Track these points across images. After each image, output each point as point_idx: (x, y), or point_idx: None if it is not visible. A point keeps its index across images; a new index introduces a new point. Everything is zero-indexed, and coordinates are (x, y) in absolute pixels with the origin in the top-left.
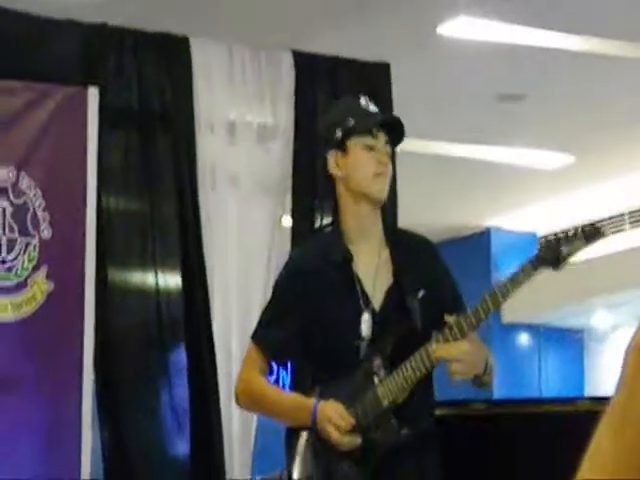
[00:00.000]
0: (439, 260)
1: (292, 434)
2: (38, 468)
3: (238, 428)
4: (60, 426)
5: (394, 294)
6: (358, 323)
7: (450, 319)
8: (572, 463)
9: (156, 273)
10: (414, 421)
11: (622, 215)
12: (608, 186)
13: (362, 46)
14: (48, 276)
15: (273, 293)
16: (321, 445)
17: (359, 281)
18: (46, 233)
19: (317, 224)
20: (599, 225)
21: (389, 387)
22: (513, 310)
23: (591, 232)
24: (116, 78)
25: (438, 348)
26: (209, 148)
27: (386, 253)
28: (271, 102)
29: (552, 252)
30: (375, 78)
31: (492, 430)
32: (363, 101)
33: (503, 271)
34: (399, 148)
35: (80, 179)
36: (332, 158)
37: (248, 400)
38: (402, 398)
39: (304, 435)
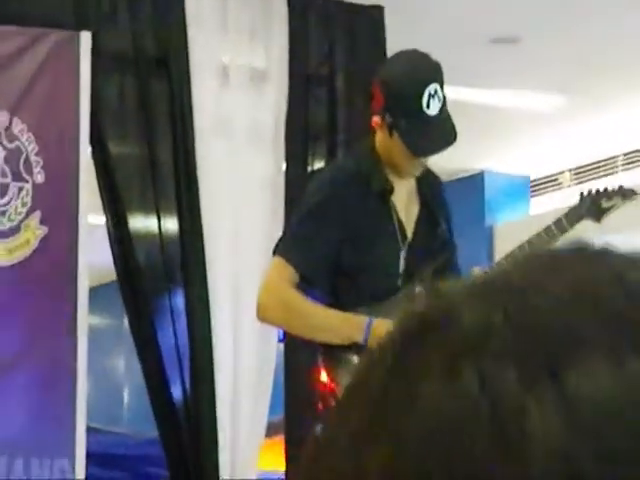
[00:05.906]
0: (447, 201)
1: (334, 354)
2: (33, 408)
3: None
4: (54, 370)
5: (422, 225)
6: (398, 256)
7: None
8: None
9: (158, 217)
10: None
11: (615, 158)
12: (601, 129)
13: None
14: (42, 221)
15: (306, 207)
16: None
17: (396, 212)
18: (39, 178)
19: (310, 169)
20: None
21: None
22: None
23: (627, 192)
24: (109, 23)
25: None
26: (204, 92)
27: (413, 183)
28: (264, 45)
29: (594, 205)
30: (369, 21)
31: None
32: (425, 97)
33: (496, 213)
34: None
35: (73, 124)
36: (377, 122)
37: (278, 310)
38: None
39: (352, 356)
